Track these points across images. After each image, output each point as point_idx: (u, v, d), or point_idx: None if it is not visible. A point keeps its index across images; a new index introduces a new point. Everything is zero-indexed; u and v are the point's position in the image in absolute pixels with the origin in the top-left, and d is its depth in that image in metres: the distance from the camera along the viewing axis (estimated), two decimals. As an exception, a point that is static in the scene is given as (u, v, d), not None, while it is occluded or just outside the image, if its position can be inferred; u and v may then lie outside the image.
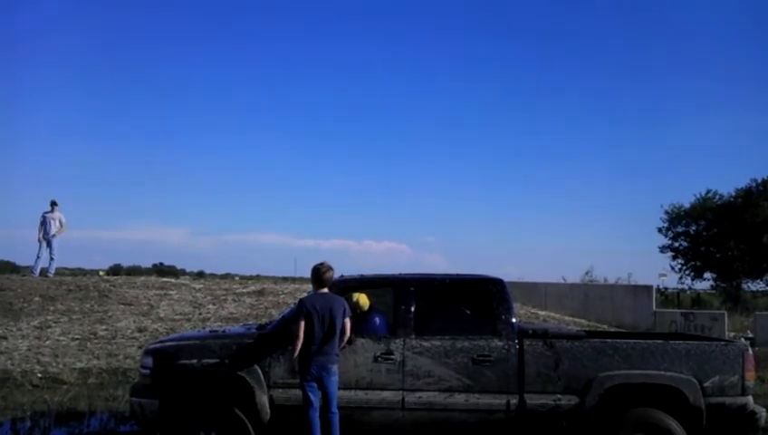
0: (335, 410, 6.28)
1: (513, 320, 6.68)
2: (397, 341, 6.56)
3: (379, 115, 69.52)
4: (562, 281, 26.69)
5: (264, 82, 70.74)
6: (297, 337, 6.28)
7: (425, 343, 6.52)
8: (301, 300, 6.58)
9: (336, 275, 6.83)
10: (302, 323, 6.29)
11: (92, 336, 13.23)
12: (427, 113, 68.73)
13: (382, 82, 68.98)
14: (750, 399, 6.44)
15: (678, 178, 59.11)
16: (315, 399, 6.24)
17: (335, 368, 6.32)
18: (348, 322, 6.42)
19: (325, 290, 6.55)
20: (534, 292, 23.26)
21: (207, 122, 71.70)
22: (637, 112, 63.36)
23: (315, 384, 6.25)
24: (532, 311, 19.45)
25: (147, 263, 45.74)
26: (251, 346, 6.62)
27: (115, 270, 36.80)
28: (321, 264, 6.62)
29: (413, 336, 6.56)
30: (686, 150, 60.54)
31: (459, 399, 6.40)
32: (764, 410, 6.72)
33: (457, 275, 7.34)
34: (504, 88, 66.50)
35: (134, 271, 36.84)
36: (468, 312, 6.87)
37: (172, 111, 70.52)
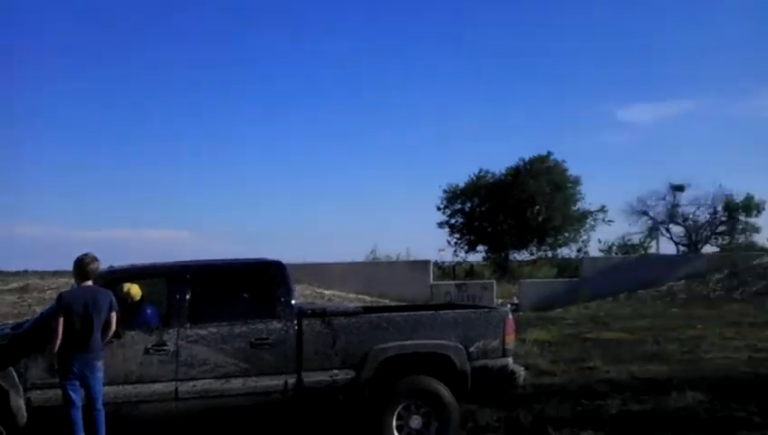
0: (100, 407, 5.95)
1: (293, 301, 6.72)
2: (170, 331, 6.34)
3: (156, 94, 65.53)
4: (348, 261, 27.47)
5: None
6: (56, 334, 5.85)
7: (200, 331, 6.36)
8: (60, 295, 6.16)
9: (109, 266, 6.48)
10: (62, 320, 5.87)
11: None
12: (210, 100, 66.03)
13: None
14: (510, 360, 6.94)
15: (455, 159, 62.62)
16: (77, 397, 5.88)
17: (99, 364, 5.98)
18: (114, 315, 6.09)
19: (89, 283, 6.15)
20: (321, 272, 23.68)
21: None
22: (411, 98, 65.75)
23: (77, 382, 5.88)
24: (318, 291, 19.79)
25: None
26: (3, 348, 6.08)
27: None
28: (86, 255, 6.22)
29: (188, 325, 6.37)
30: (460, 132, 64.15)
31: (236, 384, 6.33)
32: (523, 368, 7.35)
33: (236, 260, 7.26)
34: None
35: None
36: (247, 296, 6.82)
37: None
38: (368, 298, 20.76)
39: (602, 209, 40.24)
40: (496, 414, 7.51)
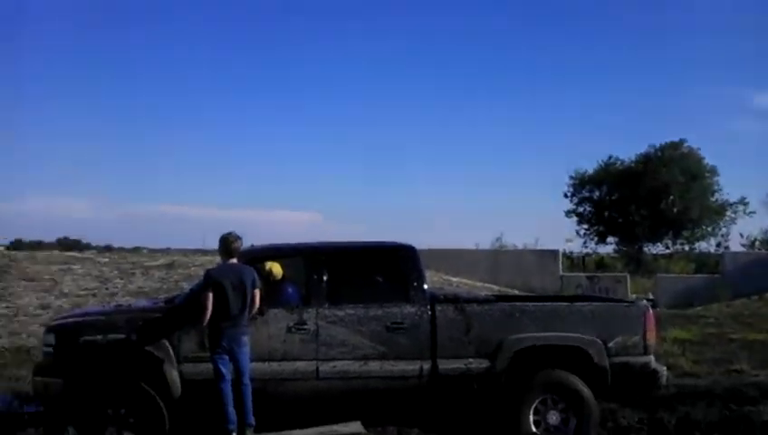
0: (248, 381, 6.18)
1: (425, 286, 6.70)
2: (310, 310, 6.49)
3: (293, 79, 67.58)
4: (474, 248, 27.26)
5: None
6: (205, 309, 6.13)
7: (338, 312, 6.47)
8: (208, 271, 6.44)
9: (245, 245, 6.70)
10: (210, 295, 6.15)
11: (-8, 315, 12.59)
12: (348, 80, 67.24)
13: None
14: (652, 358, 6.61)
15: (583, 143, 60.67)
16: (226, 371, 6.13)
17: (246, 339, 6.22)
18: (257, 292, 6.31)
19: (234, 260, 6.42)
20: (447, 259, 23.56)
21: (104, 87, 67.85)
22: (535, 83, 64.06)
23: (226, 357, 6.14)
24: (445, 278, 19.78)
25: (50, 237, 43.69)
26: (158, 320, 6.43)
27: (16, 245, 35.23)
28: (230, 233, 6.48)
29: (326, 305, 6.51)
30: (590, 116, 61.98)
31: (374, 366, 6.40)
32: (665, 368, 6.94)
33: (368, 242, 7.33)
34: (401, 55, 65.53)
35: (36, 246, 35.22)
36: (380, 279, 6.86)
37: (62, 72, 66.43)
38: (495, 287, 20.53)
39: (743, 201, 37.72)
40: (638, 415, 7.17)
